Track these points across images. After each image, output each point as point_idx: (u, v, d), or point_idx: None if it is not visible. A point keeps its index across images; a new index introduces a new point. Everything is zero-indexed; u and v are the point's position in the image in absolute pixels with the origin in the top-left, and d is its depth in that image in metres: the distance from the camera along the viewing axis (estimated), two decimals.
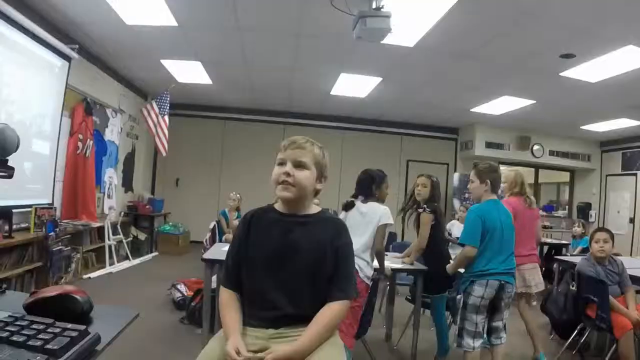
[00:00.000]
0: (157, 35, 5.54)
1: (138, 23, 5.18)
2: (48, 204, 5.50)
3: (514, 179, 4.16)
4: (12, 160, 1.31)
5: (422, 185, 3.83)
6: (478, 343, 3.10)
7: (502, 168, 4.47)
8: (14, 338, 0.85)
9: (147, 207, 8.73)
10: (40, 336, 0.88)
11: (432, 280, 3.65)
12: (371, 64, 6.20)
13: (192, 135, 9.84)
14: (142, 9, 4.82)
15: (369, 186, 3.41)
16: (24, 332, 0.88)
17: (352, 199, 3.40)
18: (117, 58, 6.82)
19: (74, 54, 5.65)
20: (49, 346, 0.84)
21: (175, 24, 5.09)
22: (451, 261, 3.61)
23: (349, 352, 2.14)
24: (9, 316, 0.95)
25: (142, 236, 8.25)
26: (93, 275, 6.19)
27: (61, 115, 5.72)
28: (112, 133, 7.64)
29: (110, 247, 6.78)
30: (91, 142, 6.53)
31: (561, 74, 5.80)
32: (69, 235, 5.55)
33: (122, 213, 7.80)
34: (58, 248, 5.12)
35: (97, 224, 6.57)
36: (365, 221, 3.23)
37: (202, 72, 7.16)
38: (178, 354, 3.68)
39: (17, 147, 1.28)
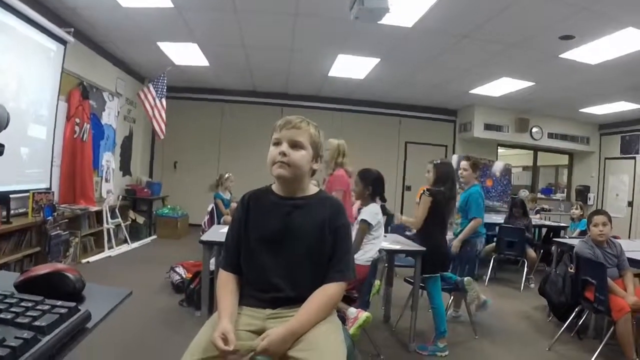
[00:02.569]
0: (153, 17, 5.47)
1: (133, 5, 5.12)
2: (46, 188, 5.49)
3: (337, 147, 4.30)
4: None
5: (427, 171, 4.08)
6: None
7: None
8: (2, 315, 0.84)
9: (145, 190, 8.73)
10: (28, 313, 0.86)
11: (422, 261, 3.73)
12: (369, 45, 6.15)
13: (189, 118, 9.76)
14: None
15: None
16: (12, 309, 0.87)
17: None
18: (113, 41, 6.76)
19: (69, 38, 5.58)
20: (37, 323, 0.83)
21: (170, 5, 5.02)
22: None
23: (348, 334, 2.13)
24: None
25: (140, 220, 8.26)
26: (92, 259, 6.20)
27: (57, 100, 5.67)
28: (109, 117, 7.60)
29: (108, 231, 6.78)
30: (88, 126, 6.48)
31: (560, 55, 5.75)
32: (67, 220, 5.53)
33: (120, 197, 7.79)
34: (56, 233, 5.10)
35: (95, 208, 6.56)
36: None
37: (199, 54, 7.09)
38: (177, 337, 3.67)
39: (7, 124, 1.25)
